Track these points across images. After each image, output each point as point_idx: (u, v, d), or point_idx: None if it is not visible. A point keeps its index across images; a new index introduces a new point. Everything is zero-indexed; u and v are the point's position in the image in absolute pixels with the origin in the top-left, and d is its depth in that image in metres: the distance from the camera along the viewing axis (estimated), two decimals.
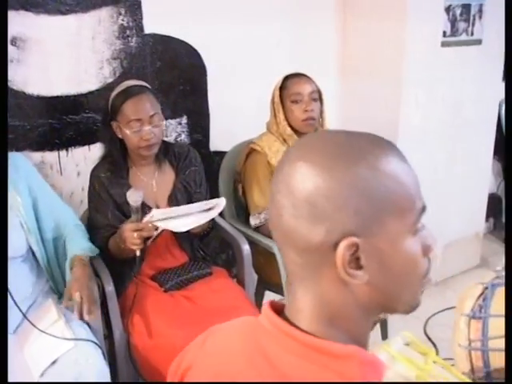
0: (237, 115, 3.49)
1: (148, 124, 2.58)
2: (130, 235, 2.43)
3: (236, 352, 1.02)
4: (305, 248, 0.90)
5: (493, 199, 5.12)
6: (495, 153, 4.63)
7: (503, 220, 5.27)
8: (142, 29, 3.12)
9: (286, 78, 3.03)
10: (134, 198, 2.43)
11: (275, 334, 0.96)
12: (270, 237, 2.81)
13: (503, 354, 1.87)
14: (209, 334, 1.13)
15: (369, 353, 0.95)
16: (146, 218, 2.42)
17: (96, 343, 2.30)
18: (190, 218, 2.49)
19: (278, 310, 1.00)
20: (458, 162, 4.11)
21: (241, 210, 3.19)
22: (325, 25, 3.85)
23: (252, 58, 3.52)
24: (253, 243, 2.92)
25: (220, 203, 2.54)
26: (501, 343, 1.87)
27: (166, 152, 2.78)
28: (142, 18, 3.10)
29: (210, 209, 2.53)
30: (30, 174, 2.58)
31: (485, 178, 4.52)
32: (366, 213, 0.87)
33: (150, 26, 3.14)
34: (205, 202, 2.54)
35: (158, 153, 2.74)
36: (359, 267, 0.89)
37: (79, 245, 2.55)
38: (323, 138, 0.95)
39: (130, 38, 3.09)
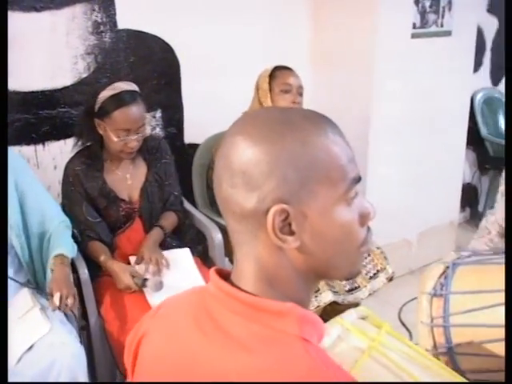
0: (210, 108, 3.54)
1: (135, 134, 2.64)
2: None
3: (185, 316, 1.08)
4: (241, 215, 0.96)
5: (468, 189, 5.21)
6: (469, 143, 4.72)
7: (479, 209, 5.37)
8: (115, 24, 3.16)
9: (276, 68, 3.12)
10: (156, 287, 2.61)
11: (220, 297, 1.02)
12: None
13: (464, 329, 1.94)
14: (161, 304, 1.19)
15: (307, 310, 1.00)
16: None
17: (72, 329, 2.37)
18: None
19: (225, 276, 1.05)
20: (431, 152, 4.17)
21: (214, 199, 3.24)
22: (297, 18, 3.91)
23: (225, 52, 3.58)
24: (227, 232, 2.97)
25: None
26: (462, 319, 1.94)
27: (140, 146, 2.84)
28: (115, 14, 3.15)
29: None
30: (19, 168, 2.60)
31: (459, 167, 4.59)
32: (293, 181, 0.93)
33: (124, 21, 3.19)
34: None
35: None
36: (291, 233, 0.94)
37: (62, 244, 2.59)
38: (260, 114, 1.01)
39: (103, 34, 3.14)
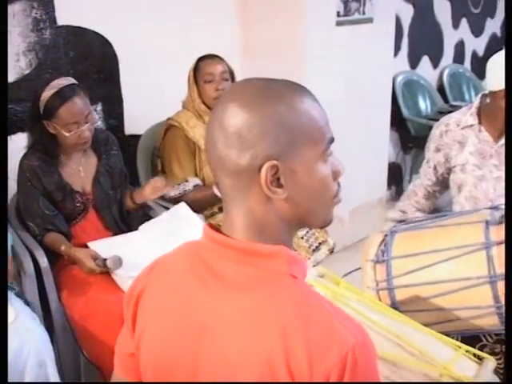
0: (149, 99, 3.64)
1: (84, 123, 2.74)
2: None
3: (182, 268, 1.23)
4: (235, 171, 1.11)
5: (393, 168, 5.47)
6: (392, 124, 4.97)
7: (404, 187, 5.63)
8: (54, 21, 3.23)
9: (200, 60, 3.26)
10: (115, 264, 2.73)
11: (213, 247, 1.18)
12: (190, 206, 3.03)
13: (407, 289, 2.14)
14: (155, 262, 1.32)
15: (293, 251, 1.18)
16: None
17: (35, 316, 2.47)
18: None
19: (216, 230, 1.20)
20: (357, 132, 4.38)
21: None
22: (227, 10, 4.05)
23: (162, 45, 3.67)
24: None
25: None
26: (404, 280, 2.14)
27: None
28: (54, 11, 3.21)
29: None
30: None
31: (383, 147, 4.86)
32: (283, 141, 1.09)
33: (63, 18, 3.26)
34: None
35: None
36: (280, 186, 1.11)
37: None
38: (249, 84, 1.17)
39: (43, 31, 3.20)
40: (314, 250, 3.12)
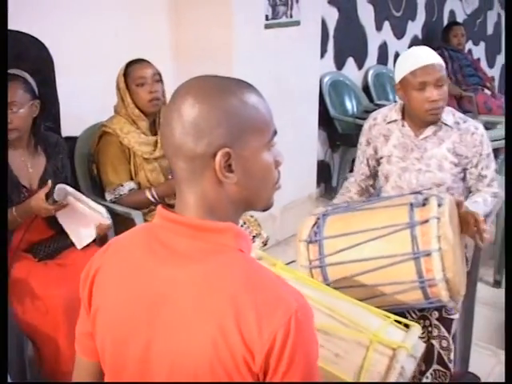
0: (85, 102, 3.72)
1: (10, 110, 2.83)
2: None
3: (137, 245, 1.35)
4: (191, 157, 1.24)
5: (322, 166, 5.65)
6: (320, 123, 5.17)
7: (333, 184, 5.84)
8: None
9: (129, 65, 3.31)
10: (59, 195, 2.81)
11: (167, 225, 1.31)
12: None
13: (338, 266, 2.31)
14: (109, 243, 1.44)
15: (241, 228, 1.32)
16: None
17: None
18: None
19: (170, 211, 1.33)
20: (286, 131, 4.51)
21: (97, 185, 3.46)
22: (158, 14, 4.15)
23: (96, 49, 3.76)
24: (112, 214, 3.18)
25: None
26: (335, 258, 2.31)
27: (39, 139, 3.04)
28: None
29: None
30: None
31: (312, 145, 5.05)
32: (235, 131, 1.24)
33: None
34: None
35: (30, 138, 3.01)
36: (231, 171, 1.25)
37: None
38: (204, 80, 1.31)
39: None
40: None
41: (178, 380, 1.23)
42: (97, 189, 3.45)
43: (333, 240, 2.34)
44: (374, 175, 3.04)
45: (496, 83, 8.28)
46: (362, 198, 3.04)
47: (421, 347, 1.82)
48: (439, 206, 2.28)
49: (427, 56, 2.74)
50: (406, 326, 1.94)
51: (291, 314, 1.17)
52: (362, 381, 1.62)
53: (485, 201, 2.78)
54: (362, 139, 3.00)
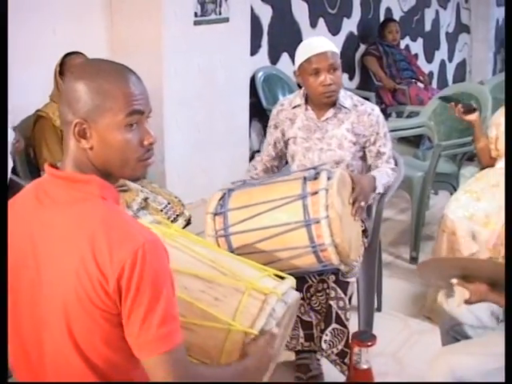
0: (25, 94, 3.89)
1: None
2: None
3: (28, 198, 1.65)
4: (65, 123, 1.59)
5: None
6: (254, 115, 5.46)
7: None
8: None
9: (66, 56, 3.54)
10: None
11: (50, 179, 1.63)
12: None
13: (240, 235, 2.59)
14: (12, 199, 1.72)
15: (105, 181, 1.62)
16: None
17: None
18: None
19: (56, 168, 1.64)
20: (217, 121, 4.83)
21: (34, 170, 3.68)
22: (94, 11, 4.36)
23: (32, 44, 3.94)
24: None
25: None
26: (238, 228, 2.60)
27: None
28: None
29: None
30: None
31: (244, 135, 5.32)
32: (90, 106, 1.55)
33: None
34: None
35: None
36: (85, 138, 1.57)
37: None
38: (85, 61, 1.70)
39: None
40: (172, 221, 3.46)
41: (59, 302, 1.52)
42: (34, 173, 3.66)
43: (236, 211, 2.61)
44: (279, 157, 3.29)
45: (435, 78, 8.63)
46: (266, 176, 3.25)
47: (293, 295, 2.06)
48: (329, 179, 2.57)
49: (321, 45, 3.04)
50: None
51: (138, 246, 1.47)
52: (237, 320, 1.87)
53: (386, 173, 3.06)
54: (271, 123, 3.25)
